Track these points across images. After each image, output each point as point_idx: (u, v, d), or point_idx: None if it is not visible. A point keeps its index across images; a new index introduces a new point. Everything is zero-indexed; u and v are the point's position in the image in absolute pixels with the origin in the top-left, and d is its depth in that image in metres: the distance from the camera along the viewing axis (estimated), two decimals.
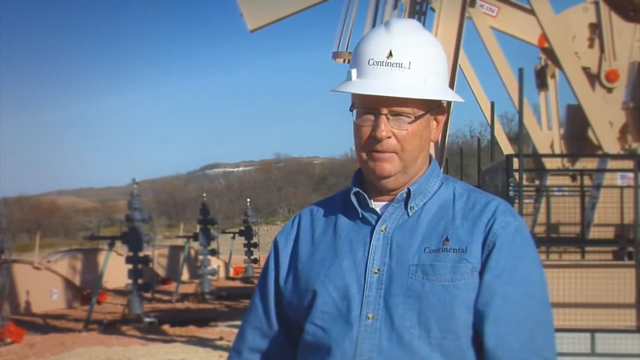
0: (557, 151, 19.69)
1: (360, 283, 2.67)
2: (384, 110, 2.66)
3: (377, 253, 2.69)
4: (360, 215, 2.76)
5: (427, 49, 2.70)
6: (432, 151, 11.56)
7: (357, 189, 2.77)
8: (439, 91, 2.70)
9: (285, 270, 2.84)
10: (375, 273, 2.67)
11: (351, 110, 2.74)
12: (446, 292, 2.61)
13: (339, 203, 2.85)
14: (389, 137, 2.66)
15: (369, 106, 2.67)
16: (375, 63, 2.66)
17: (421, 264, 2.64)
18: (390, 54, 2.65)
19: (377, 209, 2.75)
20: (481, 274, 2.63)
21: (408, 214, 2.72)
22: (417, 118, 2.68)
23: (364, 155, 2.71)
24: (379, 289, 2.65)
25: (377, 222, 2.73)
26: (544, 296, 2.69)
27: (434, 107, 2.73)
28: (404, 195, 2.73)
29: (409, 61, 2.65)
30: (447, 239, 2.66)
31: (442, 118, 2.79)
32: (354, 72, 2.70)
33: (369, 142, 2.69)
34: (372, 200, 2.76)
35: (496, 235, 2.65)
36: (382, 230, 2.71)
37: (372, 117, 2.68)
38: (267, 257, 2.92)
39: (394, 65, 2.65)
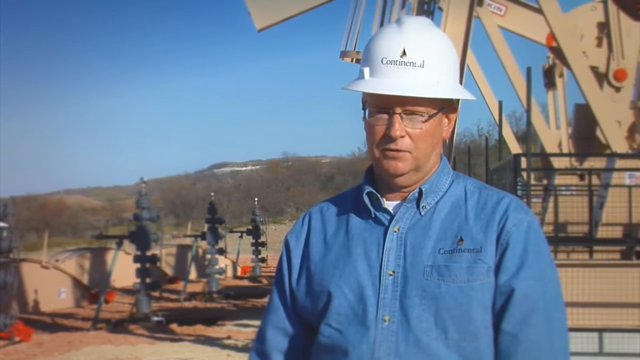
0: (565, 150, 19.64)
1: (376, 285, 2.65)
2: (398, 110, 2.64)
3: (392, 254, 2.67)
4: (373, 215, 2.74)
5: (440, 48, 2.68)
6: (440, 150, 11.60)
7: (370, 189, 2.75)
8: (453, 90, 2.68)
9: (297, 270, 2.82)
10: (390, 275, 2.65)
11: (363, 108, 2.72)
12: (462, 293, 2.60)
13: (350, 201, 2.83)
14: (403, 136, 2.65)
15: (383, 105, 2.65)
16: (388, 62, 2.64)
17: (436, 265, 2.62)
18: (404, 53, 2.63)
19: (390, 209, 2.73)
20: (496, 272, 2.62)
21: (420, 213, 2.71)
22: (430, 117, 2.67)
23: (377, 153, 2.69)
24: (394, 290, 2.63)
25: (390, 222, 2.72)
26: (558, 291, 2.70)
27: (446, 106, 2.71)
28: (416, 194, 2.72)
29: (423, 60, 2.63)
30: (461, 239, 2.64)
31: (453, 116, 2.78)
32: (366, 70, 2.67)
33: (383, 141, 2.67)
34: (384, 200, 2.74)
35: (509, 234, 2.64)
36: (395, 231, 2.69)
37: (385, 116, 2.65)
38: (280, 257, 2.89)
39: (408, 64, 2.63)
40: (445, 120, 2.76)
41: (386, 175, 2.72)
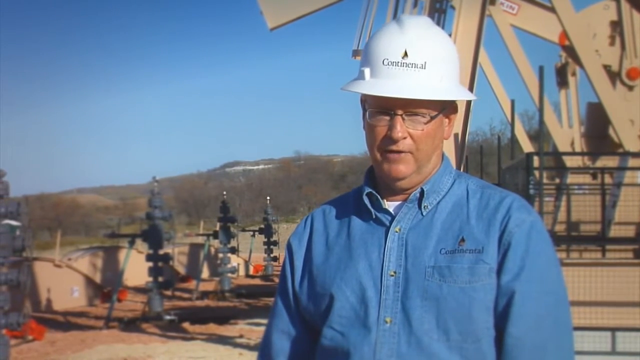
0: (578, 149, 19.61)
1: (377, 286, 2.64)
2: (400, 111, 2.62)
3: (393, 255, 2.65)
4: (374, 217, 2.73)
5: (441, 49, 2.66)
6: (453, 149, 11.55)
7: (370, 190, 2.74)
8: (454, 91, 2.67)
9: (299, 273, 2.81)
10: (392, 276, 2.64)
11: (363, 108, 2.71)
12: (464, 294, 2.58)
13: (352, 203, 2.81)
14: (405, 138, 2.64)
15: (384, 106, 2.64)
16: (390, 63, 2.62)
17: (437, 265, 2.60)
18: (405, 54, 2.61)
19: (391, 209, 2.72)
20: (498, 273, 2.60)
21: (422, 214, 2.69)
22: (432, 118, 2.65)
23: (378, 155, 2.68)
24: (395, 292, 2.62)
25: (391, 222, 2.70)
26: (561, 293, 2.66)
27: (447, 106, 2.70)
28: (418, 194, 2.71)
29: (424, 61, 2.61)
30: (463, 240, 2.62)
31: (454, 116, 2.77)
32: (367, 71, 2.65)
33: (384, 142, 2.66)
34: (385, 200, 2.73)
35: (511, 234, 2.61)
36: (396, 232, 2.68)
37: (387, 117, 2.64)
38: (284, 261, 2.89)
39: (409, 65, 2.61)
40: (446, 120, 2.74)
41: (388, 178, 2.70)
